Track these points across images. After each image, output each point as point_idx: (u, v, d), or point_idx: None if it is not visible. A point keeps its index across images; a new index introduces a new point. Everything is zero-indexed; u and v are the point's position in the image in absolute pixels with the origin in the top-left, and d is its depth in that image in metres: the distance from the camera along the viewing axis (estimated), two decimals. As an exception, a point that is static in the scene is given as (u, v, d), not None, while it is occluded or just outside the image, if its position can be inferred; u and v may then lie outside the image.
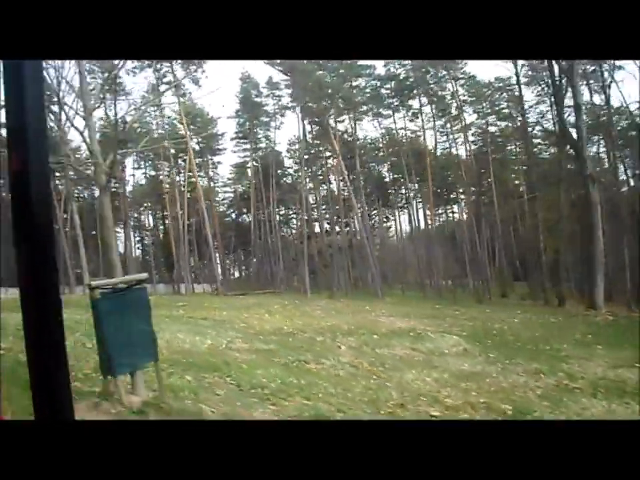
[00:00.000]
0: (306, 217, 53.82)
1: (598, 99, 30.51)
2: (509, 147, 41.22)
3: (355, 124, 37.26)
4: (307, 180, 44.21)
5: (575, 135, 20.37)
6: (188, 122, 36.97)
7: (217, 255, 37.30)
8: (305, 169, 47.21)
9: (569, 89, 23.69)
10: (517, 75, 28.11)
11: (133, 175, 42.97)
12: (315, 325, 14.16)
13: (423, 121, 36.97)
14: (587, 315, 15.85)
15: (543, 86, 29.46)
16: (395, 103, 37.85)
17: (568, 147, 19.67)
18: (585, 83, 27.71)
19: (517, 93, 36.55)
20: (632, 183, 36.32)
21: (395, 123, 39.47)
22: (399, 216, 50.52)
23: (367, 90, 37.09)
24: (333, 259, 45.77)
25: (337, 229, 48.83)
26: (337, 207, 42.95)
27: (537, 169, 34.69)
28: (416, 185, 48.78)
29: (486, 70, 61.55)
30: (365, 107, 37.47)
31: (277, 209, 49.77)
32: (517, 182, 46.98)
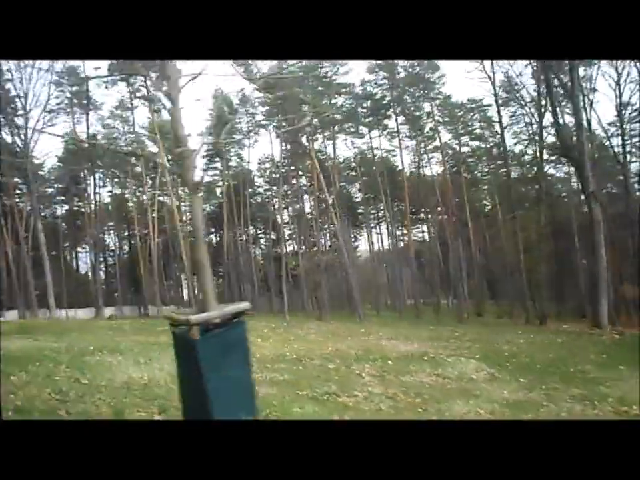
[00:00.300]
0: (274, 237, 53.07)
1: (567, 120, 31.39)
2: (481, 168, 41.85)
3: (334, 142, 36.86)
4: (281, 198, 43.53)
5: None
6: (158, 139, 35.73)
7: (189, 276, 35.81)
8: (276, 188, 46.60)
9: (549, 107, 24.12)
10: (496, 94, 28.45)
11: (98, 193, 41.14)
12: (318, 351, 13.33)
13: (400, 140, 36.93)
14: (592, 334, 15.67)
15: (521, 105, 29.84)
16: (371, 122, 37.81)
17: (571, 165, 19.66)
18: (558, 104, 28.45)
19: (489, 114, 37.41)
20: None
21: (371, 140, 39.44)
22: (370, 235, 50.30)
23: (344, 108, 36.90)
24: (305, 279, 44.92)
25: (304, 248, 48.16)
26: (311, 226, 42.38)
27: (505, 189, 35.26)
28: (381, 205, 48.93)
29: (461, 90, 62.46)
30: (343, 125, 37.17)
31: (246, 229, 48.73)
32: (484, 202, 47.89)
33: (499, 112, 29.10)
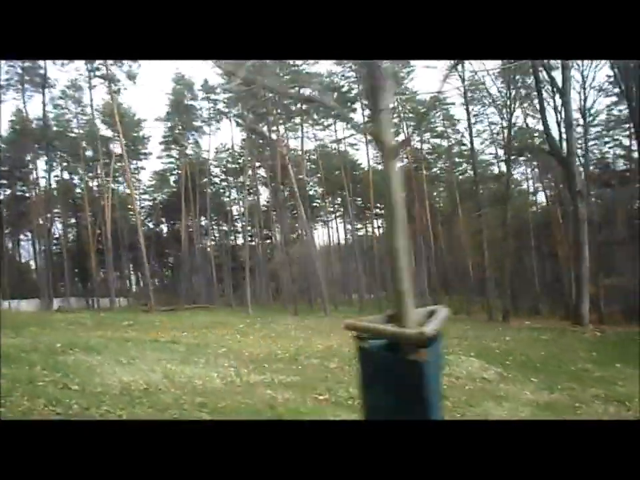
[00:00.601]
0: (226, 229, 51.77)
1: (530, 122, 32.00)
2: (440, 165, 42.33)
3: (302, 133, 36.10)
4: (239, 189, 42.42)
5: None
6: (113, 122, 33.65)
7: (147, 266, 34.18)
8: (232, 178, 45.40)
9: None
10: (465, 92, 28.65)
11: (45, 178, 38.23)
12: (308, 349, 12.75)
13: (366, 135, 36.57)
14: (574, 332, 15.91)
15: (484, 104, 30.27)
16: (336, 114, 37.30)
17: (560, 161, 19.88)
18: (520, 105, 29.04)
19: (450, 112, 37.87)
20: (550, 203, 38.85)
21: (336, 133, 38.97)
22: (329, 229, 50.01)
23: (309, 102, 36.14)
24: (259, 271, 44.06)
25: (257, 240, 47.26)
26: (271, 218, 41.57)
27: (469, 187, 35.81)
28: (338, 198, 48.77)
29: (427, 87, 63.00)
30: (309, 116, 36.48)
31: (202, 219, 47.28)
32: (438, 198, 48.64)
33: (467, 110, 29.36)
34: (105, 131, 36.61)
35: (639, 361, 10.17)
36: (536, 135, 31.43)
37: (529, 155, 34.78)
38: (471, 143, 29.02)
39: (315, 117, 37.06)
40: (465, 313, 35.79)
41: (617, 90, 29.22)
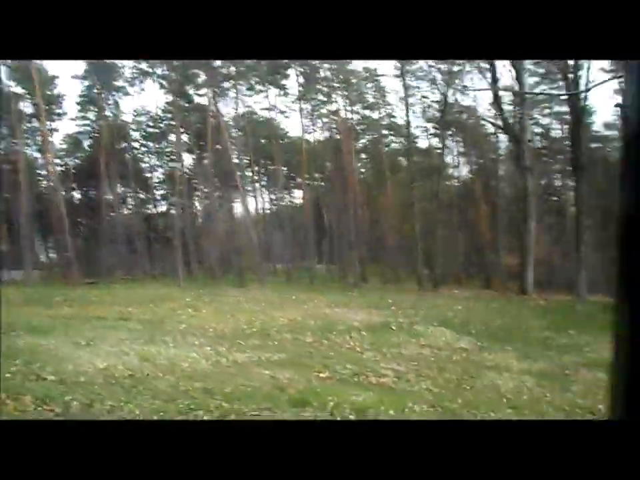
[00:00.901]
0: (143, 196, 49.21)
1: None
2: (370, 136, 42.54)
3: (237, 98, 34.59)
4: (159, 155, 40.29)
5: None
6: (26, 77, 30.11)
7: (67, 236, 31.72)
8: (152, 143, 43.09)
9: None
10: (402, 64, 28.76)
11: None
12: (273, 322, 12.36)
13: (301, 102, 35.86)
14: (522, 300, 16.72)
15: (419, 76, 30.62)
16: (269, 80, 36.15)
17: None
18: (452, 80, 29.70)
19: (382, 84, 38.02)
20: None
21: (268, 98, 37.67)
22: (255, 198, 48.88)
23: (243, 65, 34.45)
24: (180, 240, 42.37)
25: (177, 210, 45.43)
26: (213, 186, 39.91)
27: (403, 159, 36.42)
28: (263, 168, 47.90)
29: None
30: (239, 81, 34.94)
31: (120, 186, 44.49)
32: (362, 169, 49.22)
33: (404, 84, 29.52)
34: (15, 88, 32.86)
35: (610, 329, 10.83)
36: (461, 110, 32.41)
37: (453, 130, 35.83)
38: (407, 115, 29.34)
39: (252, 82, 35.62)
40: (393, 282, 36.89)
41: (541, 70, 30.84)
